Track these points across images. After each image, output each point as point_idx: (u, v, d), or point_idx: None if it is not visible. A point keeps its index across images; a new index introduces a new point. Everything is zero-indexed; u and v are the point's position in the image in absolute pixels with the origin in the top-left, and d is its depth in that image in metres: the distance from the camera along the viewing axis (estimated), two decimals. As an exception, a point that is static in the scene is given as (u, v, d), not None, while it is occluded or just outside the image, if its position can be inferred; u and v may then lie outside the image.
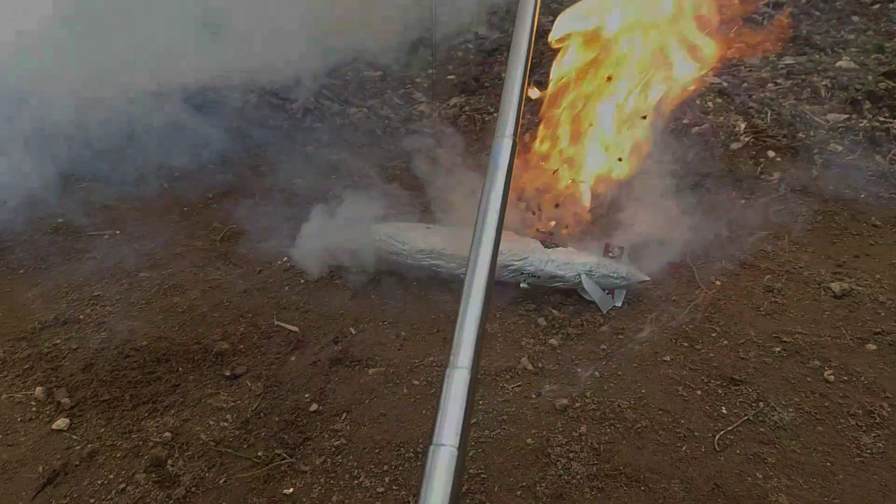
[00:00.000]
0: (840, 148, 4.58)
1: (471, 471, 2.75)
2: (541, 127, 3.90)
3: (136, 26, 4.29)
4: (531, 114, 4.07)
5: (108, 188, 4.59)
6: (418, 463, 2.80)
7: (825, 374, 3.14)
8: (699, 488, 2.67)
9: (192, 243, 4.15)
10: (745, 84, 5.17)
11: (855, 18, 6.04)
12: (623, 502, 2.64)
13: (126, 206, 4.50)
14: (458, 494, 1.44)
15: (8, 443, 2.89)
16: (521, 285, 3.61)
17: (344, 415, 3.03)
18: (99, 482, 2.72)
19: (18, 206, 4.29)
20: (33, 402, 3.08)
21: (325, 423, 2.98)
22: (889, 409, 2.95)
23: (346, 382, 3.18)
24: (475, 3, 5.87)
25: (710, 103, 4.92)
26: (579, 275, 3.54)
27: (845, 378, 3.12)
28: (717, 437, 2.88)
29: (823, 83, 5.12)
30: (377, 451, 2.86)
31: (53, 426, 2.96)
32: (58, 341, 3.41)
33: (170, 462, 2.80)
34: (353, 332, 3.48)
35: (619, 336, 3.40)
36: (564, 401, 3.04)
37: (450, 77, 5.38)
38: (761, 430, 2.91)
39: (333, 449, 2.87)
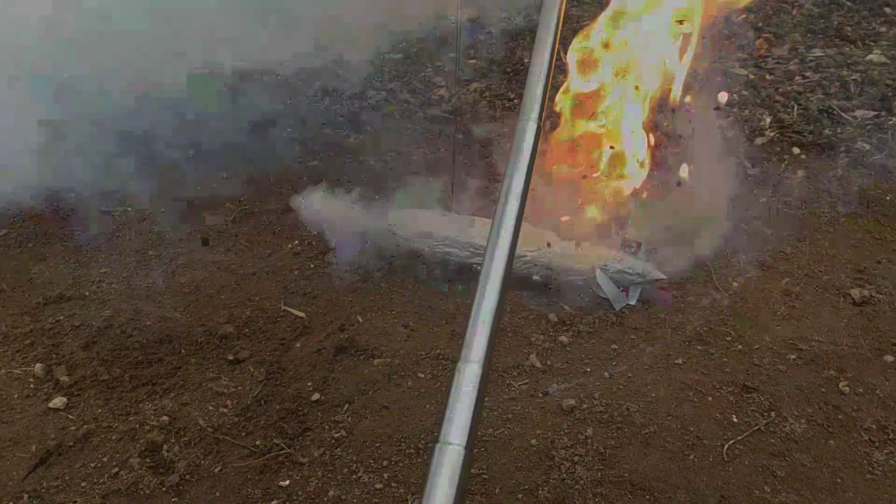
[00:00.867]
0: (868, 146, 4.45)
1: (472, 470, 2.69)
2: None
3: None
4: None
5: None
6: (419, 459, 2.75)
7: (840, 384, 3.05)
8: (705, 500, 2.61)
9: (201, 224, 4.07)
10: (772, 76, 5.03)
11: (888, 10, 5.84)
12: (626, 510, 2.59)
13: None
14: (463, 497, 1.37)
15: (3, 420, 2.86)
16: (534, 277, 3.53)
17: (346, 406, 2.97)
18: (92, 465, 2.69)
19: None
20: (31, 379, 3.04)
21: (326, 414, 2.93)
22: (904, 425, 2.87)
23: (350, 372, 3.13)
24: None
25: (735, 95, 4.79)
26: (593, 269, 3.46)
27: (860, 390, 3.03)
28: (727, 446, 2.80)
29: (853, 78, 4.96)
30: (378, 445, 2.81)
31: (50, 404, 2.92)
32: (61, 317, 3.37)
33: (165, 447, 2.76)
34: (361, 320, 3.41)
35: (632, 336, 3.32)
36: (572, 401, 2.97)
37: (471, 61, 5.27)
38: (772, 441, 2.83)
39: (333, 441, 2.82)
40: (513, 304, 3.48)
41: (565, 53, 3.66)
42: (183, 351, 3.22)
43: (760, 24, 5.58)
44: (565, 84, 3.76)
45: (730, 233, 3.82)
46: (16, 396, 2.97)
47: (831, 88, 4.92)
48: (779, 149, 4.49)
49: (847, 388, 3.02)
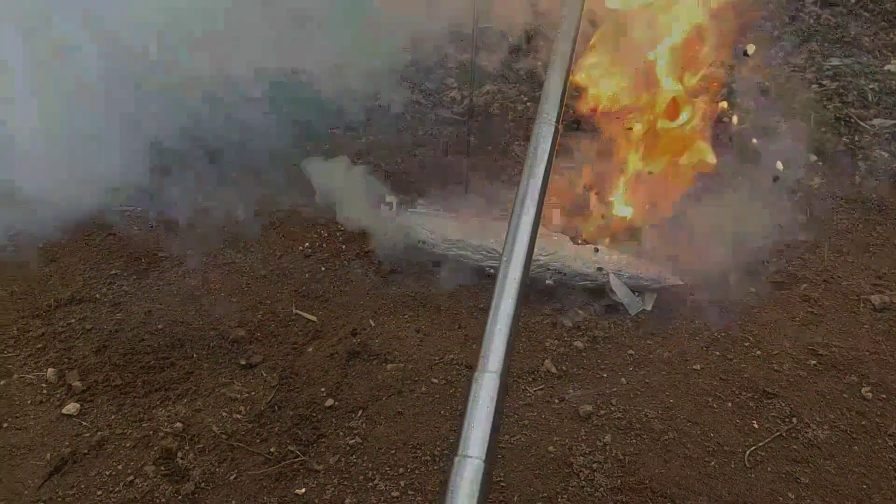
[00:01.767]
0: (885, 154, 4.40)
1: (489, 478, 2.65)
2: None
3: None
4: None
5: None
6: (435, 467, 2.71)
7: (862, 390, 3.01)
8: (728, 508, 2.57)
9: (210, 223, 4.04)
10: (789, 85, 4.99)
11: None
12: (647, 519, 2.55)
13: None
14: None
15: (17, 426, 2.83)
16: (547, 282, 3.49)
17: (360, 412, 2.94)
18: (107, 473, 2.66)
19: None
20: (44, 384, 3.01)
21: (340, 420, 2.90)
22: (929, 432, 2.82)
23: (363, 377, 3.09)
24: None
25: (751, 102, 4.75)
26: (607, 274, 3.42)
27: (883, 396, 2.99)
28: (748, 452, 2.76)
29: (871, 87, 4.92)
30: (393, 451, 2.77)
31: (63, 410, 2.89)
32: (72, 320, 3.34)
33: (180, 454, 2.73)
34: (373, 324, 3.38)
35: (648, 341, 3.28)
36: (589, 407, 2.93)
37: (483, 64, 5.23)
38: (794, 447, 2.79)
39: (348, 448, 2.78)
40: (526, 308, 3.44)
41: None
42: (195, 355, 3.19)
43: (777, 34, 5.54)
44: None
45: (747, 240, 3.77)
46: (29, 402, 2.94)
47: (849, 97, 4.88)
48: (796, 156, 4.45)
49: (870, 394, 2.97)
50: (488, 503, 2.54)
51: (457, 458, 1.40)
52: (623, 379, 3.09)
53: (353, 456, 2.75)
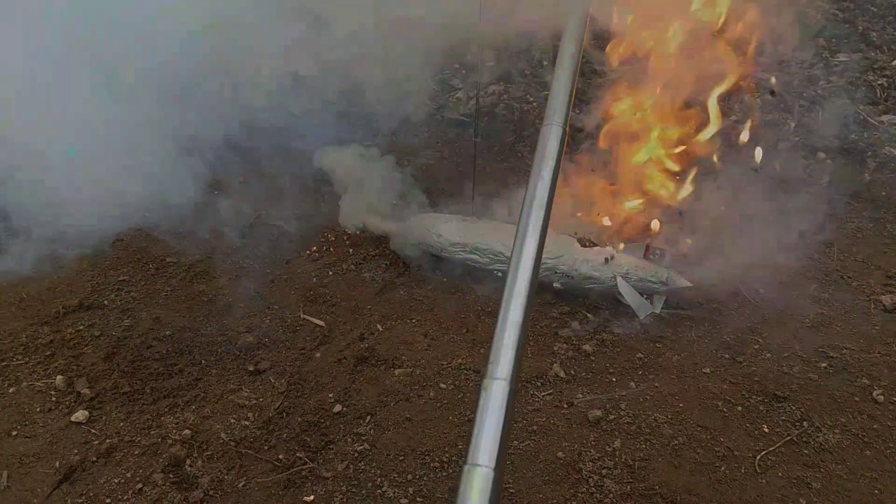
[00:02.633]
0: (895, 151, 4.38)
1: (498, 484, 2.64)
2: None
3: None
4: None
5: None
6: (444, 473, 2.70)
7: (874, 393, 2.98)
8: (738, 514, 2.55)
9: (218, 229, 4.04)
10: (796, 81, 4.96)
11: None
12: (657, 525, 2.53)
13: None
14: None
15: (26, 434, 2.83)
16: (554, 285, 3.47)
17: (368, 418, 2.93)
18: (116, 480, 2.66)
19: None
20: (53, 392, 3.01)
21: (348, 426, 2.89)
22: (942, 436, 2.80)
23: (371, 383, 3.08)
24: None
25: (758, 100, 4.72)
26: (615, 277, 3.40)
27: (895, 399, 2.96)
28: (759, 457, 2.74)
29: (879, 82, 4.89)
30: (401, 458, 2.76)
31: (72, 418, 2.89)
32: (81, 327, 3.34)
33: (188, 462, 2.72)
34: (380, 328, 3.37)
35: (657, 345, 3.26)
36: (598, 412, 2.92)
37: (489, 64, 5.21)
38: (805, 451, 2.77)
39: (356, 454, 2.77)
40: (534, 311, 3.42)
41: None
42: (203, 362, 3.19)
43: (785, 29, 5.51)
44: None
45: (756, 240, 3.75)
46: (38, 410, 2.94)
47: (857, 93, 4.85)
48: (804, 153, 4.42)
49: (881, 397, 2.95)
50: (497, 510, 2.54)
51: (466, 467, 1.39)
52: (632, 383, 3.07)
53: (362, 462, 2.74)
